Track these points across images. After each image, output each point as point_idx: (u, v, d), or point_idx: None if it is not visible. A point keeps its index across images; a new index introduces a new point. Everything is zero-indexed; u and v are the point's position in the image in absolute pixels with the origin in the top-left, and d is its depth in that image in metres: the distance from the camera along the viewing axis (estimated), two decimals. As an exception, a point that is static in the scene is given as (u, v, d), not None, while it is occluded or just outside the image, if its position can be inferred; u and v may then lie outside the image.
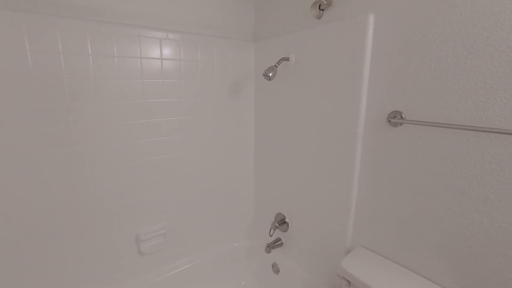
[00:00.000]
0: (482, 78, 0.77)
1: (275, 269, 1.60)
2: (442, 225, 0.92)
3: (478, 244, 0.85)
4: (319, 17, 1.17)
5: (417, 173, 0.95)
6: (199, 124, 1.47)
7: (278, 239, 1.59)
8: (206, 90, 1.45)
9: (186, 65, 1.36)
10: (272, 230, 1.53)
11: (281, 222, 1.54)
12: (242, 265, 1.74)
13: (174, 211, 1.47)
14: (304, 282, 1.42)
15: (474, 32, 0.77)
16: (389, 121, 0.98)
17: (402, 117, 0.96)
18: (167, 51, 1.29)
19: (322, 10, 1.16)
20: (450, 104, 0.84)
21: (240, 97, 1.59)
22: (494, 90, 0.76)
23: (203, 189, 1.55)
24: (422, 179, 0.94)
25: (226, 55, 1.48)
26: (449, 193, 0.89)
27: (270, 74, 1.23)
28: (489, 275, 0.84)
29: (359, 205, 1.16)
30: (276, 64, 1.27)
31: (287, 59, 1.31)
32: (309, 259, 1.42)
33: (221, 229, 1.70)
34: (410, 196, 0.99)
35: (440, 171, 0.89)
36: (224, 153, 1.60)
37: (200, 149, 1.50)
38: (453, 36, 0.80)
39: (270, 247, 1.54)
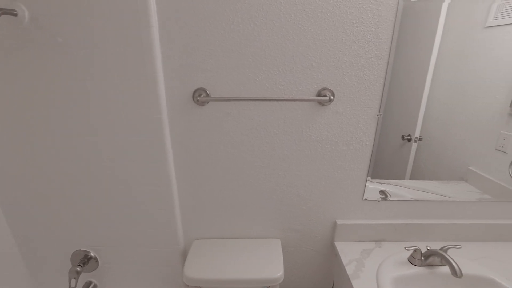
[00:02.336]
0: (268, 50, 0.83)
1: (94, 322, 1.15)
2: (257, 189, 1.01)
3: (283, 192, 1.02)
4: None
5: (229, 147, 0.95)
6: None
7: (87, 285, 1.13)
8: None
9: None
10: (73, 281, 1.03)
11: (84, 262, 1.08)
12: None
13: None
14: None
15: (257, 5, 0.78)
16: (197, 100, 0.86)
17: (207, 95, 0.87)
18: None
19: None
20: (247, 76, 0.86)
21: None
22: (277, 62, 0.84)
23: None
24: (235, 153, 0.96)
25: None
26: (259, 160, 0.97)
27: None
28: (293, 212, 1.06)
29: (182, 197, 1.03)
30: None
31: (12, 13, 0.76)
32: (140, 282, 1.14)
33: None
34: (226, 172, 0.99)
35: (250, 142, 0.94)
36: None
37: None
38: (241, 5, 0.78)
39: (77, 302, 1.06)
